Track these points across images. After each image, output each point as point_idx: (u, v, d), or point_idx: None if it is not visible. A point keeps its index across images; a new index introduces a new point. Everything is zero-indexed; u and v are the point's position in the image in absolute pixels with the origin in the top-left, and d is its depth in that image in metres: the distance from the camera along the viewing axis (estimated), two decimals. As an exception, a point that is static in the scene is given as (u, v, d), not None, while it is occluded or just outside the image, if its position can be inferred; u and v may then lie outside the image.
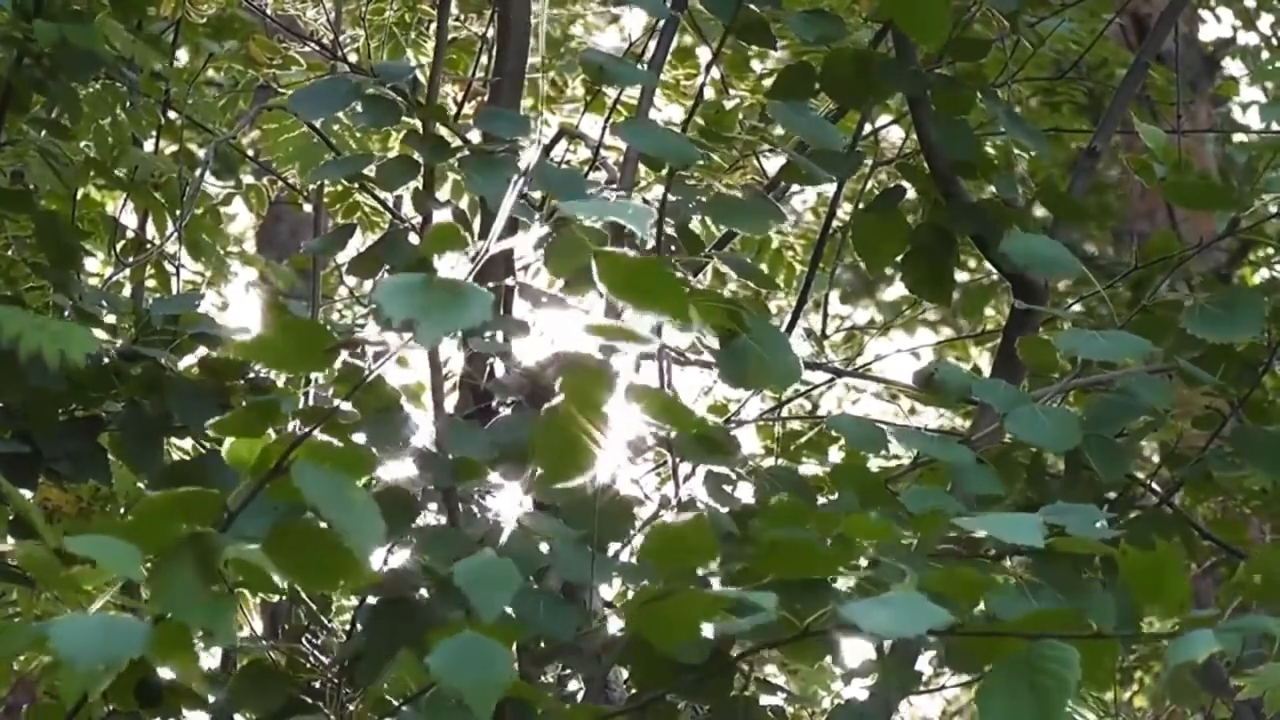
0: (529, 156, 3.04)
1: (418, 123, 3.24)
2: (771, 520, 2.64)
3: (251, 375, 3.23)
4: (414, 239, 3.25)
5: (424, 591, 2.82)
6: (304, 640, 3.29)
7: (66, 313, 3.36)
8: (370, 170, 3.33)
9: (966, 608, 2.44)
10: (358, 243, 3.51)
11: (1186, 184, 3.53)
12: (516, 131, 3.18)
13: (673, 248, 3.31)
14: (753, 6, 3.44)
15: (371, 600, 2.89)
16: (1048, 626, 2.37)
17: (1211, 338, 3.17)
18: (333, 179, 4.50)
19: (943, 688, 3.58)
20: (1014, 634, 2.36)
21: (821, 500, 3.11)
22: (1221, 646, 2.30)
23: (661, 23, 3.73)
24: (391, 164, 3.25)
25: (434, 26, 5.79)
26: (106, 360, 3.24)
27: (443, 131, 3.27)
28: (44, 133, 3.90)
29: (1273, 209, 3.37)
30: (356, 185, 4.97)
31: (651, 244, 3.14)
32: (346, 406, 2.49)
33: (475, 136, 3.29)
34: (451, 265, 2.43)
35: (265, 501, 2.38)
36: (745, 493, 3.13)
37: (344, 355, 2.46)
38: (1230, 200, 3.40)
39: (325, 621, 3.41)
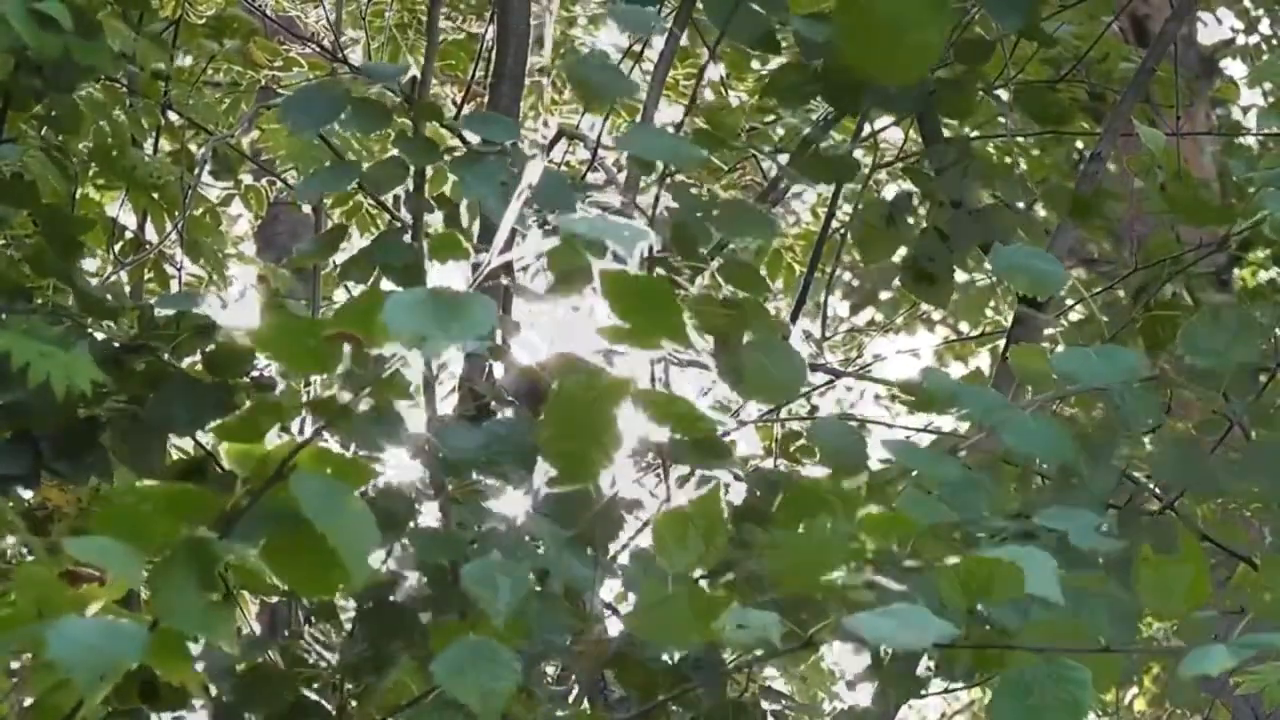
0: (531, 170, 3.01)
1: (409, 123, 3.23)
2: (791, 506, 2.60)
3: (255, 374, 3.22)
4: (407, 240, 3.23)
5: (412, 593, 2.81)
6: (305, 640, 3.28)
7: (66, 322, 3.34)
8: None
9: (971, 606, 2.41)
10: (363, 242, 3.50)
11: (1185, 198, 3.52)
12: (506, 135, 3.15)
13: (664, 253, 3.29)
14: (755, 7, 3.42)
15: (366, 604, 2.88)
16: (1053, 639, 2.36)
17: (1206, 363, 3.09)
18: (324, 192, 4.43)
19: (946, 690, 3.58)
20: (1019, 647, 2.36)
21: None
22: (1234, 662, 2.28)
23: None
24: (381, 167, 3.23)
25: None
26: (110, 353, 3.22)
27: (442, 131, 3.26)
28: (44, 130, 3.88)
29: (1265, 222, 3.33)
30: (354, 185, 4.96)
31: (643, 257, 3.11)
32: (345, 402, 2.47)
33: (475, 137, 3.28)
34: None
35: (262, 504, 2.33)
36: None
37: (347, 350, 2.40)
38: (1226, 216, 3.38)
39: (325, 621, 3.40)
